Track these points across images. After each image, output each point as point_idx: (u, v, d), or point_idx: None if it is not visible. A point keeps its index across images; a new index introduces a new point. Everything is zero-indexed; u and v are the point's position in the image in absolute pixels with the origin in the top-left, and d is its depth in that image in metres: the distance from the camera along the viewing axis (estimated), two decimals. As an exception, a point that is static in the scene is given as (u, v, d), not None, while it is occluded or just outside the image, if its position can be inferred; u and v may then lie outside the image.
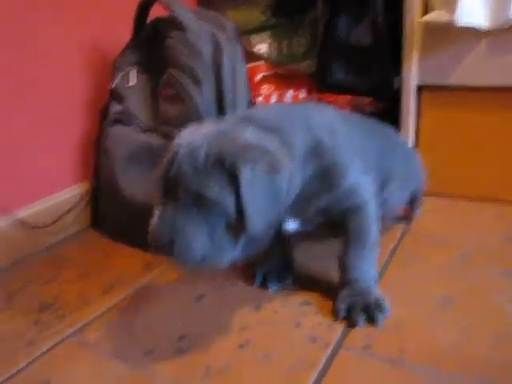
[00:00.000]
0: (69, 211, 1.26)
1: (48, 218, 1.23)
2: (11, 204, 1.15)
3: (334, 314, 0.90)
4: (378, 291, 0.92)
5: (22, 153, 1.19)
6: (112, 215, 1.25)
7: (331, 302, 0.92)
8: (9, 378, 0.81)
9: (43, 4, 1.18)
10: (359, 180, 0.90)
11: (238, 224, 0.76)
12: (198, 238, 0.76)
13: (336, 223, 0.93)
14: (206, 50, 1.07)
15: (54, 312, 0.98)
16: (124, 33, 1.26)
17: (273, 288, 1.00)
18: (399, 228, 1.21)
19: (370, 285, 0.92)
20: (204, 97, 1.05)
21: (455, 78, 1.23)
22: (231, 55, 1.09)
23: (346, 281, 0.93)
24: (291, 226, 0.91)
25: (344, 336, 0.85)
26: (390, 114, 1.30)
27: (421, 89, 1.28)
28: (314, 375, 0.76)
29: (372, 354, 0.80)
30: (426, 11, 1.21)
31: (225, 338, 0.86)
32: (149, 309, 0.97)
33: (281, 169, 0.77)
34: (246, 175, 0.74)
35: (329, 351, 0.81)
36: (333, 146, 0.86)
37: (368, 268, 0.93)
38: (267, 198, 0.77)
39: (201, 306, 0.96)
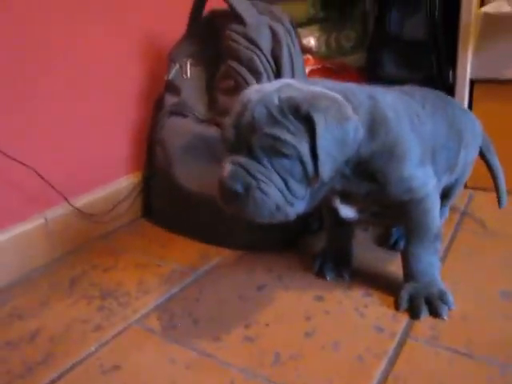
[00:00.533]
0: (123, 201, 1.28)
1: (103, 206, 1.25)
2: (69, 192, 1.18)
3: (397, 304, 0.90)
4: (441, 283, 0.91)
5: (79, 142, 1.22)
6: (167, 205, 1.26)
7: (393, 294, 0.92)
8: (82, 361, 0.83)
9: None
10: (418, 172, 0.87)
11: (309, 171, 0.76)
12: (274, 188, 0.76)
13: (395, 214, 0.93)
14: (265, 42, 1.08)
15: (117, 299, 1.00)
16: (178, 24, 1.27)
17: (330, 276, 1.01)
18: (454, 220, 1.20)
19: (434, 277, 0.92)
20: (263, 88, 1.06)
21: (510, 73, 1.21)
22: (289, 47, 1.09)
23: (409, 273, 0.92)
24: (347, 213, 0.92)
25: (410, 327, 0.85)
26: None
27: (474, 83, 1.27)
28: (383, 364, 0.77)
29: (440, 345, 0.80)
30: (482, 3, 1.20)
31: (291, 327, 0.87)
32: (210, 298, 0.98)
33: (349, 117, 0.77)
34: (320, 121, 0.73)
35: (396, 341, 0.82)
36: (397, 125, 0.85)
37: (431, 260, 0.92)
38: (337, 144, 0.76)
39: (263, 296, 0.96)
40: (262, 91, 0.78)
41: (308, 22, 1.45)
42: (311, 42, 1.44)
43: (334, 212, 0.94)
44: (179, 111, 1.19)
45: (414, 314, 0.88)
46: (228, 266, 1.10)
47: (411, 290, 0.91)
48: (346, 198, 0.89)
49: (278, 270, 1.05)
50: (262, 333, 0.86)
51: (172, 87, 1.23)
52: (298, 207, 0.79)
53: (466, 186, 1.38)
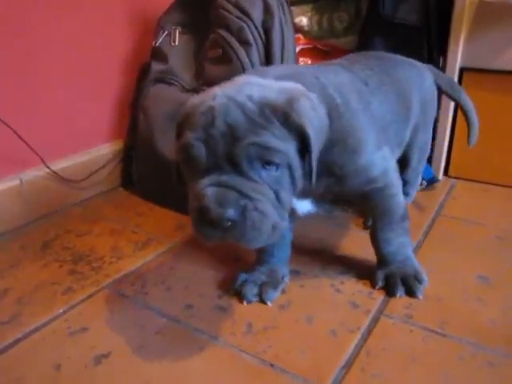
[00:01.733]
0: (101, 168, 1.25)
1: (82, 172, 1.22)
2: (48, 155, 1.14)
3: (373, 283, 0.89)
4: (415, 262, 0.91)
5: (60, 106, 1.18)
6: (146, 174, 1.24)
7: (370, 273, 0.92)
8: (48, 322, 0.81)
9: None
10: (376, 159, 0.80)
11: (297, 178, 0.68)
12: (269, 204, 0.66)
13: (358, 203, 0.89)
14: (257, 13, 1.06)
15: (89, 263, 0.98)
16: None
17: (250, 299, 0.85)
18: (432, 209, 1.20)
19: (407, 255, 0.90)
20: (251, 59, 1.04)
21: (501, 63, 1.21)
22: (281, 20, 1.07)
23: (381, 257, 0.91)
24: (304, 207, 0.83)
25: (385, 305, 0.85)
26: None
27: (463, 71, 1.26)
28: (356, 339, 0.76)
29: (414, 323, 0.79)
30: (478, -9, 1.19)
31: (265, 299, 0.87)
32: (184, 267, 0.97)
33: (321, 110, 0.71)
34: (311, 131, 0.66)
35: (370, 317, 0.81)
36: (346, 111, 0.77)
37: (402, 240, 0.90)
38: (320, 145, 0.70)
39: (238, 268, 0.95)
40: (221, 94, 0.67)
41: (301, 1, 1.42)
42: (303, 20, 1.42)
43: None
44: (165, 79, 1.17)
45: (390, 291, 0.87)
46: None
47: (386, 271, 0.90)
48: (301, 193, 0.78)
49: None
50: (236, 303, 0.85)
51: (159, 54, 1.20)
52: (286, 220, 0.71)
53: (448, 175, 1.39)
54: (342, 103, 0.77)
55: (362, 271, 0.94)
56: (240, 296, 0.86)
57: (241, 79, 0.72)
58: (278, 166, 0.66)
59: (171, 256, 1.01)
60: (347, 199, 0.86)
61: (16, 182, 1.09)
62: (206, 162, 0.65)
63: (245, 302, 0.85)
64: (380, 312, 0.83)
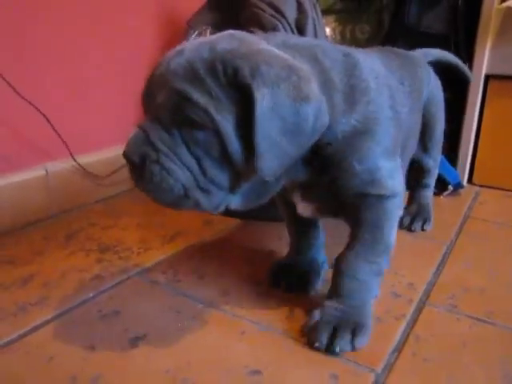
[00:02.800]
0: (125, 166, 1.22)
1: (106, 169, 1.20)
2: (75, 149, 1.13)
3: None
4: (367, 315, 0.71)
5: (94, 101, 1.18)
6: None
7: (409, 265, 0.89)
8: (78, 305, 0.77)
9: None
10: (386, 162, 0.69)
11: (233, 154, 0.57)
12: (181, 165, 0.58)
13: (350, 213, 0.72)
14: (291, 12, 1.07)
15: (117, 253, 0.95)
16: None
17: (290, 290, 0.81)
18: (460, 212, 1.19)
19: (364, 303, 0.72)
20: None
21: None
22: (314, 19, 1.08)
23: (335, 289, 0.72)
24: (304, 211, 0.75)
25: (427, 295, 0.82)
26: (452, 105, 1.30)
27: (489, 78, 1.27)
28: (403, 325, 0.73)
29: (459, 313, 0.77)
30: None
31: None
32: (216, 258, 0.93)
33: (309, 96, 0.57)
34: (262, 96, 0.54)
35: (413, 306, 0.78)
36: (378, 97, 0.67)
37: (369, 280, 0.72)
38: (288, 132, 0.57)
39: (272, 259, 0.92)
40: (197, 42, 0.60)
41: (325, 12, 1.45)
42: (327, 31, 1.45)
43: (295, 212, 0.76)
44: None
45: (310, 339, 0.68)
46: (234, 232, 1.06)
47: (324, 313, 0.70)
48: (307, 192, 0.71)
49: (288, 238, 1.01)
50: (275, 291, 0.82)
51: (189, 53, 1.21)
52: (217, 199, 0.61)
53: (472, 183, 1.38)
54: (375, 88, 0.67)
55: (400, 263, 0.91)
56: (279, 286, 0.82)
57: (228, 32, 0.62)
58: (200, 127, 0.57)
59: (201, 248, 0.98)
60: (342, 210, 0.72)
61: (42, 172, 1.07)
62: (143, 104, 0.63)
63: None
64: (423, 302, 0.80)
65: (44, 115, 1.02)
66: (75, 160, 1.11)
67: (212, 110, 0.55)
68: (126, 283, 0.84)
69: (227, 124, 0.56)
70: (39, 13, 1.03)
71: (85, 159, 1.16)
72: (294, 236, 0.87)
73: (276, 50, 0.59)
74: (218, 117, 0.56)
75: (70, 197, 1.14)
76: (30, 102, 0.99)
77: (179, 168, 0.58)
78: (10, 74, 0.96)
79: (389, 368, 0.64)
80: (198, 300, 0.79)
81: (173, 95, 0.56)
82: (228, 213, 1.09)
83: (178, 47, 0.61)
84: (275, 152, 0.57)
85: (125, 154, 0.60)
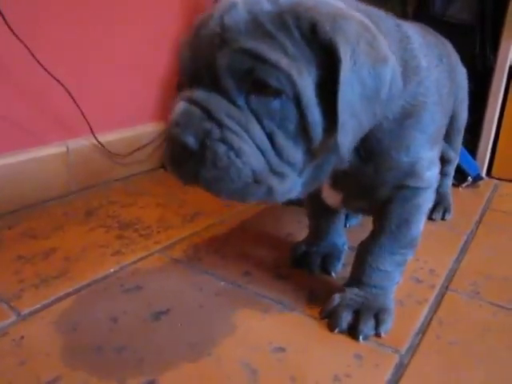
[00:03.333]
0: (146, 145, 1.23)
1: (126, 148, 1.20)
2: (95, 126, 1.13)
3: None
4: (390, 301, 0.70)
5: (117, 80, 1.18)
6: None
7: (431, 251, 0.89)
8: (100, 280, 0.77)
9: None
10: (427, 153, 0.64)
11: (312, 126, 0.48)
12: (252, 144, 0.48)
13: (380, 204, 0.67)
14: None
15: (136, 231, 0.95)
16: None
17: (314, 270, 0.81)
18: (480, 203, 1.18)
19: (386, 290, 0.70)
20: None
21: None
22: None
23: (356, 277, 0.71)
24: (332, 201, 0.71)
25: (449, 281, 0.81)
26: (475, 96, 1.28)
27: (512, 70, 1.26)
28: (425, 309, 0.73)
29: (482, 299, 0.76)
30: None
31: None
32: (237, 239, 0.93)
33: (387, 57, 0.50)
34: (348, 55, 0.47)
35: (436, 291, 0.78)
36: (427, 78, 0.61)
37: (392, 271, 0.70)
38: (367, 99, 0.49)
39: (293, 242, 0.92)
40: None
41: None
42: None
43: (318, 196, 0.72)
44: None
45: (331, 323, 0.67)
46: (253, 214, 1.05)
47: (345, 297, 0.69)
48: (339, 180, 0.65)
49: (306, 221, 1.01)
50: (296, 273, 0.81)
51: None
52: (291, 184, 0.52)
53: (491, 176, 1.36)
54: (426, 68, 0.61)
55: (422, 249, 0.89)
56: (302, 267, 0.82)
57: None
58: (277, 93, 0.47)
59: (222, 228, 0.98)
60: (372, 202, 0.68)
61: (63, 148, 1.07)
62: (189, 72, 0.50)
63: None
64: (445, 287, 0.79)
65: (68, 91, 1.02)
66: (96, 138, 1.11)
67: (295, 73, 0.46)
68: (147, 260, 0.84)
69: (308, 89, 0.47)
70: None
71: (106, 137, 1.16)
72: (314, 220, 0.86)
73: (347, 8, 0.51)
74: (299, 80, 0.46)
75: (89, 174, 1.14)
76: (54, 77, 0.99)
77: (249, 147, 0.48)
78: (35, 47, 0.96)
79: (413, 349, 0.64)
80: (220, 278, 0.79)
81: (240, 56, 0.46)
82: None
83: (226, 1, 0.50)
84: (353, 123, 0.49)
85: (173, 136, 0.48)
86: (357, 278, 0.71)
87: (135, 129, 1.22)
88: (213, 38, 0.48)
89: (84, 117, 1.07)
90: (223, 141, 0.47)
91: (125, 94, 1.20)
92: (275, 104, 0.47)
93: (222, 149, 0.47)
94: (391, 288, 0.71)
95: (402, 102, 0.58)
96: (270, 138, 0.48)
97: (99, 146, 1.13)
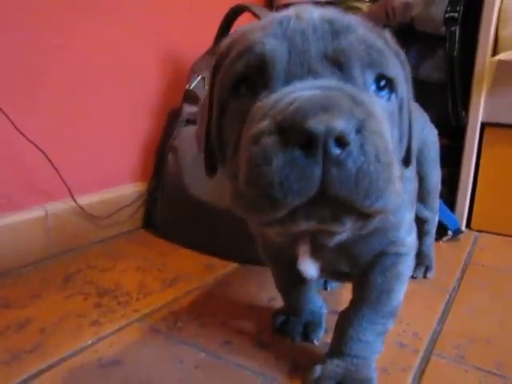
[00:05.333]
0: (125, 207, 1.22)
1: (105, 210, 1.19)
2: (74, 189, 1.12)
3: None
4: (372, 370, 0.68)
5: (93, 143, 1.18)
6: (173, 215, 1.21)
7: (416, 313, 0.88)
8: (76, 353, 0.75)
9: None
10: (407, 215, 0.64)
11: (403, 132, 0.50)
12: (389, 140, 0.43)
13: (358, 273, 0.66)
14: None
15: (116, 298, 0.93)
16: (203, 40, 1.29)
17: (296, 338, 0.79)
18: (461, 258, 1.18)
19: (366, 360, 0.68)
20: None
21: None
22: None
23: (337, 348, 0.68)
24: (310, 270, 0.65)
25: (433, 345, 0.80)
26: (451, 150, 1.32)
27: (485, 126, 1.30)
28: (410, 377, 0.71)
29: (467, 364, 0.75)
30: (495, 51, 1.26)
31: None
32: (218, 305, 0.92)
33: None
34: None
35: (420, 356, 0.77)
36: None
37: (373, 341, 0.67)
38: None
39: (275, 308, 0.90)
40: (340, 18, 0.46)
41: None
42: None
43: (290, 268, 0.67)
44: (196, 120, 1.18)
45: None
46: (236, 277, 1.04)
47: (325, 371, 0.66)
48: (318, 250, 0.60)
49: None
50: (277, 340, 0.80)
51: (191, 97, 1.22)
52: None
53: (470, 228, 1.38)
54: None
55: (404, 311, 0.89)
56: (284, 336, 0.80)
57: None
58: (391, 89, 0.46)
59: (202, 294, 0.96)
60: (352, 269, 0.66)
61: (41, 212, 1.06)
62: (287, 66, 0.42)
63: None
64: (429, 352, 0.78)
65: (45, 154, 1.02)
66: (75, 200, 1.10)
67: (400, 76, 0.48)
68: (125, 330, 0.82)
69: (406, 98, 0.50)
70: (50, 53, 1.05)
71: (85, 199, 1.15)
72: (286, 296, 0.82)
73: None
74: (401, 86, 0.49)
75: (69, 237, 1.12)
76: (30, 141, 0.99)
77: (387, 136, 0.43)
78: (11, 111, 0.96)
79: (399, 424, 0.62)
80: (200, 349, 0.77)
81: (363, 43, 0.44)
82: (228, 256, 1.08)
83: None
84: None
85: (318, 126, 0.36)
86: (338, 349, 0.68)
87: (115, 190, 1.22)
88: (319, 30, 0.43)
89: (62, 179, 1.07)
90: (380, 134, 0.40)
91: (104, 155, 1.21)
92: (387, 100, 0.46)
93: (382, 143, 0.40)
94: (373, 357, 0.69)
95: None
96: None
97: (78, 208, 1.12)
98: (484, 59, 1.24)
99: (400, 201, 0.43)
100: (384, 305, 0.66)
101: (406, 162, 0.54)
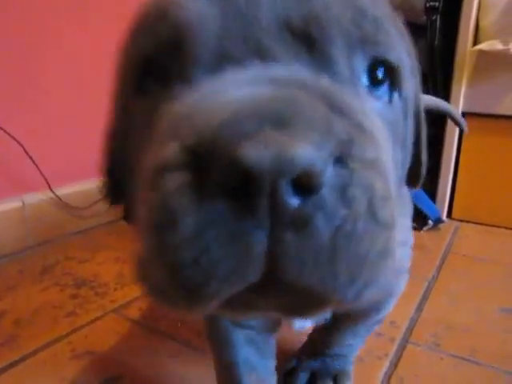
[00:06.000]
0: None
1: (84, 201, 1.17)
2: (52, 180, 1.10)
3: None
4: (348, 364, 0.66)
5: (71, 132, 1.17)
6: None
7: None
8: (49, 344, 0.74)
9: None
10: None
11: (408, 142, 0.36)
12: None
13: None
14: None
15: (93, 289, 0.92)
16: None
17: None
18: (441, 247, 1.19)
19: (345, 356, 0.65)
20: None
21: (501, 108, 1.25)
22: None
23: (317, 350, 0.65)
24: (302, 323, 0.59)
25: (409, 333, 0.81)
26: (432, 139, 1.32)
27: (465, 115, 1.30)
28: (385, 366, 0.71)
29: (443, 351, 0.75)
30: (476, 41, 1.26)
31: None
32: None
33: None
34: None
35: (396, 345, 0.77)
36: None
37: (357, 343, 0.65)
38: None
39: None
40: None
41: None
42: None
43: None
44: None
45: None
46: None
47: (300, 363, 0.65)
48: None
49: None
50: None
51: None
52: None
53: (451, 218, 1.39)
54: None
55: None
56: None
57: None
58: (392, 83, 0.31)
59: (180, 284, 0.96)
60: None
61: (18, 203, 1.05)
62: (218, 42, 0.27)
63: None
64: (405, 340, 0.79)
65: (21, 145, 1.00)
66: (53, 191, 1.09)
67: (405, 63, 0.33)
68: (102, 320, 0.81)
69: (411, 94, 0.36)
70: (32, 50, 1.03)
71: (63, 191, 1.14)
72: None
73: None
74: (405, 78, 0.33)
75: (46, 229, 1.11)
76: (7, 132, 0.97)
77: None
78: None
79: (372, 411, 0.62)
80: (176, 339, 0.77)
81: (348, 11, 0.28)
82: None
83: None
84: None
85: (257, 157, 0.20)
86: (320, 352, 0.65)
87: (94, 181, 1.20)
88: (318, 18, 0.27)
89: (39, 170, 1.05)
90: (377, 165, 0.24)
91: (82, 146, 1.19)
92: (389, 107, 0.31)
93: (380, 183, 0.24)
94: (353, 355, 0.67)
95: None
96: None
97: (56, 199, 1.10)
98: (464, 49, 1.24)
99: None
100: (372, 318, 0.60)
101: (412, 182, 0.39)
